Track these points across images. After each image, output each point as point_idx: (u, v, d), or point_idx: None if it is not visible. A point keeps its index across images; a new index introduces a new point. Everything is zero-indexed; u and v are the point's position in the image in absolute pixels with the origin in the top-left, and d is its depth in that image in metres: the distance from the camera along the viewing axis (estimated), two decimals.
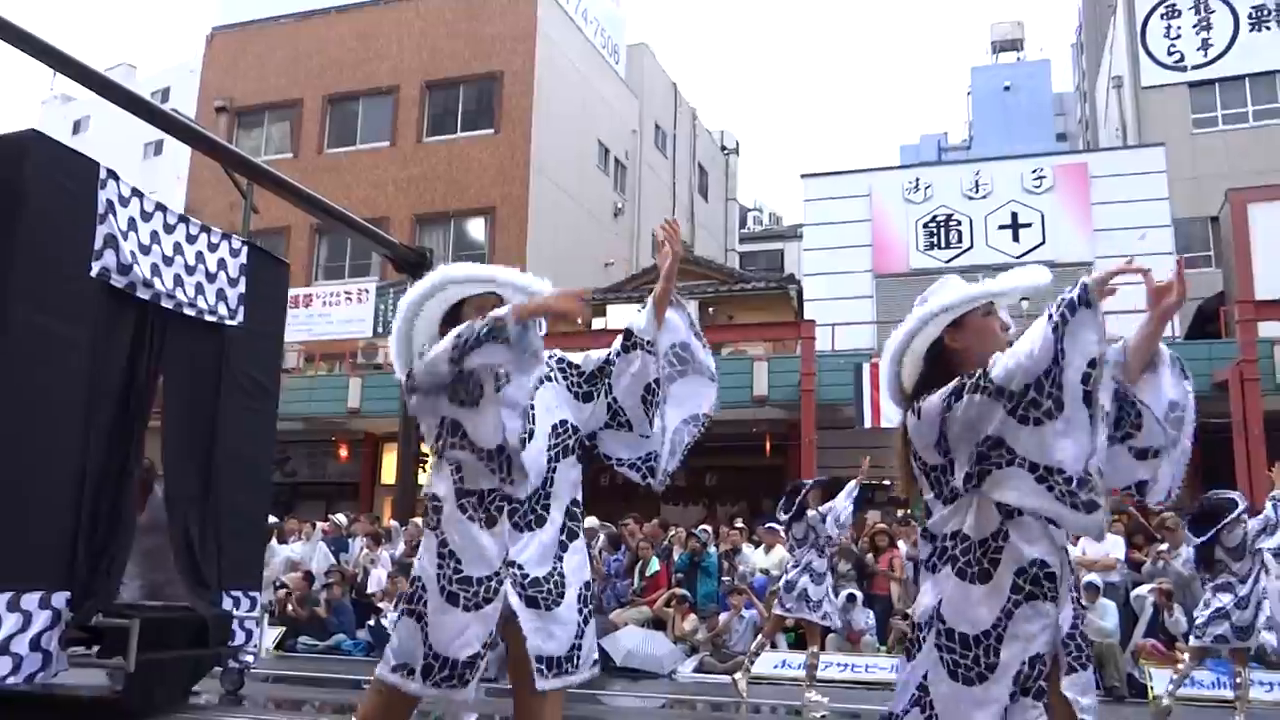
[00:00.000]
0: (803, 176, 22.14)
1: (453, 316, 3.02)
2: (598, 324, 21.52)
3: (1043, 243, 19.79)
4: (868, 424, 15.77)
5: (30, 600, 4.71)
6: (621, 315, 21.08)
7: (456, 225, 24.46)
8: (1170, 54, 23.41)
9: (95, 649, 5.13)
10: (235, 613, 6.10)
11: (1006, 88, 41.90)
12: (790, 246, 32.67)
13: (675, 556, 12.42)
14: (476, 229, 24.40)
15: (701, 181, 33.27)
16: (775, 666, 10.18)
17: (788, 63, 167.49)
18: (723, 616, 11.13)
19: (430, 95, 25.19)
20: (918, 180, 21.00)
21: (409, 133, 25.05)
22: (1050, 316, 2.34)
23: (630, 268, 26.75)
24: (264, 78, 26.38)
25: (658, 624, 11.41)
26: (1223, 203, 19.53)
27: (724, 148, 36.26)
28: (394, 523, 13.69)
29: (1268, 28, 22.81)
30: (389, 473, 19.90)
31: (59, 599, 4.85)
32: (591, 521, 12.41)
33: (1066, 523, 2.39)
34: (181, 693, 6.37)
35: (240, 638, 6.21)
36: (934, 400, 2.52)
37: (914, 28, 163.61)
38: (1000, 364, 2.40)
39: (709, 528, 12.89)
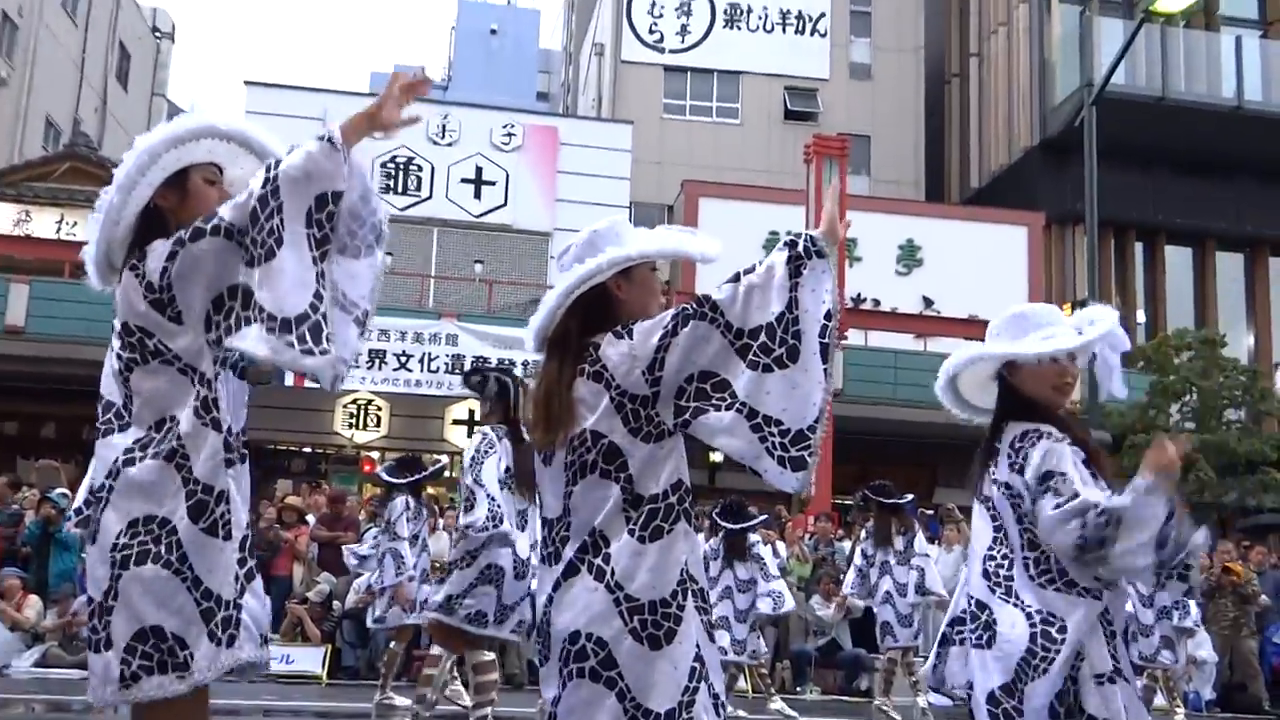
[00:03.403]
0: (247, 83, 21.42)
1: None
2: None
3: (504, 204, 21.07)
4: None
5: None
6: None
7: None
8: (652, 33, 26.11)
9: None
10: None
11: (493, 31, 43.42)
12: None
13: (25, 524, 11.49)
14: None
15: (122, 65, 30.70)
16: None
17: None
18: (78, 601, 10.54)
19: None
20: None
21: None
22: (784, 263, 2.60)
23: (12, 155, 23.97)
24: None
25: None
26: (678, 193, 22.24)
27: (156, 30, 33.78)
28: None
29: (738, 28, 26.37)
30: None
31: None
32: None
33: (771, 476, 2.59)
34: None
35: None
36: (649, 325, 2.65)
37: None
38: (728, 296, 2.61)
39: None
